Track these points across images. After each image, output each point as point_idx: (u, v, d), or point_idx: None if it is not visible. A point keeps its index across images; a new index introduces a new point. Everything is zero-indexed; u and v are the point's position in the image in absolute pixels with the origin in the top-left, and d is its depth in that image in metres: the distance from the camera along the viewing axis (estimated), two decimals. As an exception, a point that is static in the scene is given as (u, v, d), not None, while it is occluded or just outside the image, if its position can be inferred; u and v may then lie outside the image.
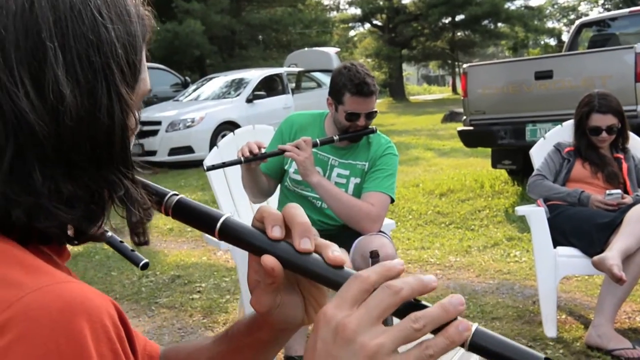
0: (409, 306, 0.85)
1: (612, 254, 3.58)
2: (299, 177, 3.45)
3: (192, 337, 4.45)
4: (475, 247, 6.12)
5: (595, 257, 3.67)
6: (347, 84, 3.43)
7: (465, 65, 8.07)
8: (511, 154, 7.96)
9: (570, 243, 3.96)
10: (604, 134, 4.17)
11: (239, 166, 3.43)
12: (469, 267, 5.57)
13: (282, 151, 3.36)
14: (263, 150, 3.40)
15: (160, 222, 8.41)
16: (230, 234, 1.02)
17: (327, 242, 0.98)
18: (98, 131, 0.91)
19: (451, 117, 19.87)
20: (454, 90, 45.89)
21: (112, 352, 0.82)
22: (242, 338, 1.18)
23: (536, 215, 4.06)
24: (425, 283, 0.86)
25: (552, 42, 40.25)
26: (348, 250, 3.38)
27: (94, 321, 0.81)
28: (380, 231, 3.46)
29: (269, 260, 0.97)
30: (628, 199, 3.97)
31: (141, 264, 1.89)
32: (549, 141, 4.58)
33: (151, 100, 15.85)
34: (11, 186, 0.85)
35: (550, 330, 3.96)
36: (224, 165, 3.48)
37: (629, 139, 4.33)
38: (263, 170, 3.53)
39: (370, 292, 0.85)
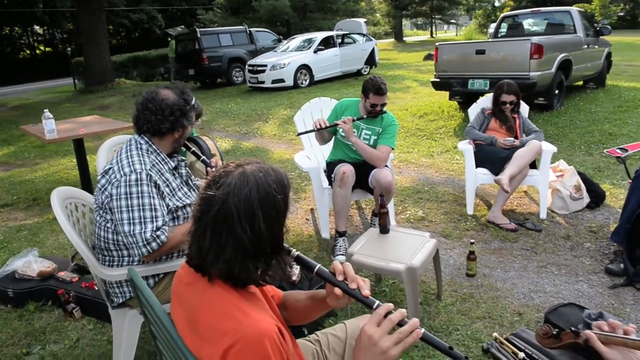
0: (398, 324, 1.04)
1: (504, 177, 3.73)
2: (344, 134, 3.59)
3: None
4: (436, 152, 6.04)
5: (495, 177, 3.82)
6: (371, 88, 3.48)
7: (437, 44, 7.77)
8: (459, 94, 7.84)
9: (484, 166, 4.06)
10: (508, 105, 4.17)
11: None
12: (432, 165, 5.54)
13: (336, 124, 3.50)
14: (326, 123, 3.53)
15: (268, 129, 8.17)
16: (320, 275, 1.19)
17: (362, 283, 1.16)
18: (274, 241, 1.07)
19: (428, 57, 18.94)
20: (432, 35, 43.59)
21: (279, 354, 1.00)
22: (318, 302, 1.33)
23: (468, 150, 4.14)
24: (402, 316, 1.04)
25: (489, 6, 37.61)
26: (368, 174, 3.52)
27: (271, 341, 0.99)
28: (386, 165, 3.57)
29: (337, 291, 1.16)
30: (517, 142, 4.02)
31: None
32: (479, 105, 4.55)
33: (261, 50, 15.55)
34: (240, 271, 1.04)
35: (469, 210, 4.14)
36: (306, 132, 3.69)
37: (520, 105, 4.31)
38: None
39: (382, 318, 1.04)
